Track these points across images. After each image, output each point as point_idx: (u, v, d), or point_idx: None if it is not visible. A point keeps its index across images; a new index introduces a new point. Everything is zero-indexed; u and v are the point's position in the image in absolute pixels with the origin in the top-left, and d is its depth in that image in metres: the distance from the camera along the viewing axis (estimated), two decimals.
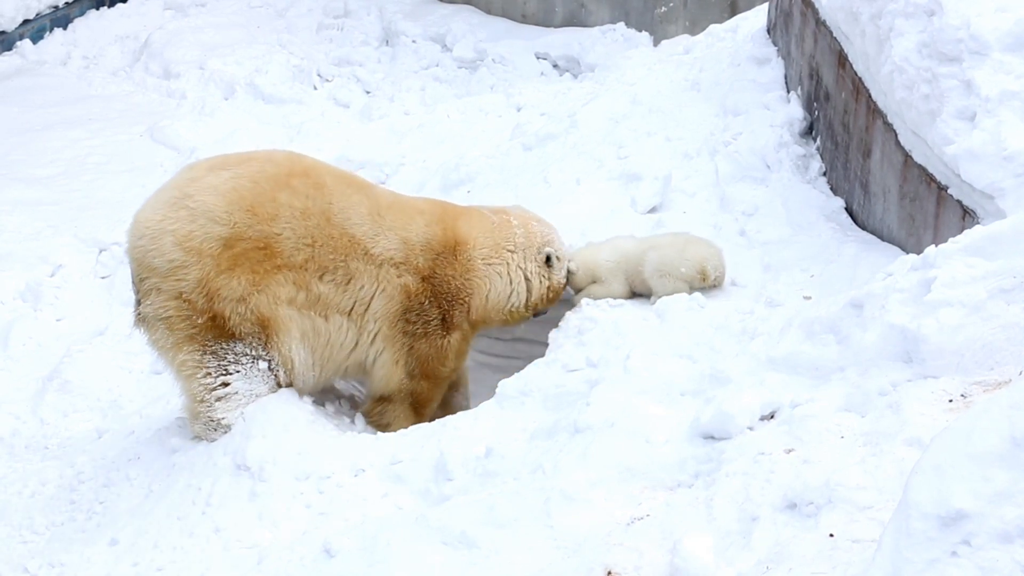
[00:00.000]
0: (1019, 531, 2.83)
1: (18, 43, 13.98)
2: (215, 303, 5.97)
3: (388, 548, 4.48)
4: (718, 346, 5.54)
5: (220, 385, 6.06)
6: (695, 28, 12.13)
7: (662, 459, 4.52)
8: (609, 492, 4.44)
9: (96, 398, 7.84)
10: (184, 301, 5.96)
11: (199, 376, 6.06)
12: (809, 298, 5.87)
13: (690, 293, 6.29)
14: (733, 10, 12.42)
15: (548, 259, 6.63)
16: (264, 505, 5.47)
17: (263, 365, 6.11)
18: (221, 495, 5.59)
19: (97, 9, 14.62)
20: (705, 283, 6.36)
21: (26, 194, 10.66)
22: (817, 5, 7.47)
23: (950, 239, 4.52)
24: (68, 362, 8.10)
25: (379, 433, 6.14)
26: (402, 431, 6.00)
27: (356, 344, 6.33)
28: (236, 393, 6.06)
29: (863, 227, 6.80)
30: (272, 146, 11.25)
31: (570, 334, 6.22)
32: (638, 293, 6.58)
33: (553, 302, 6.73)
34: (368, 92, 13.10)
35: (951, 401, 3.96)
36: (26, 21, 14.07)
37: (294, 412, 5.94)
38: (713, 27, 10.17)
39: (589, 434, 4.89)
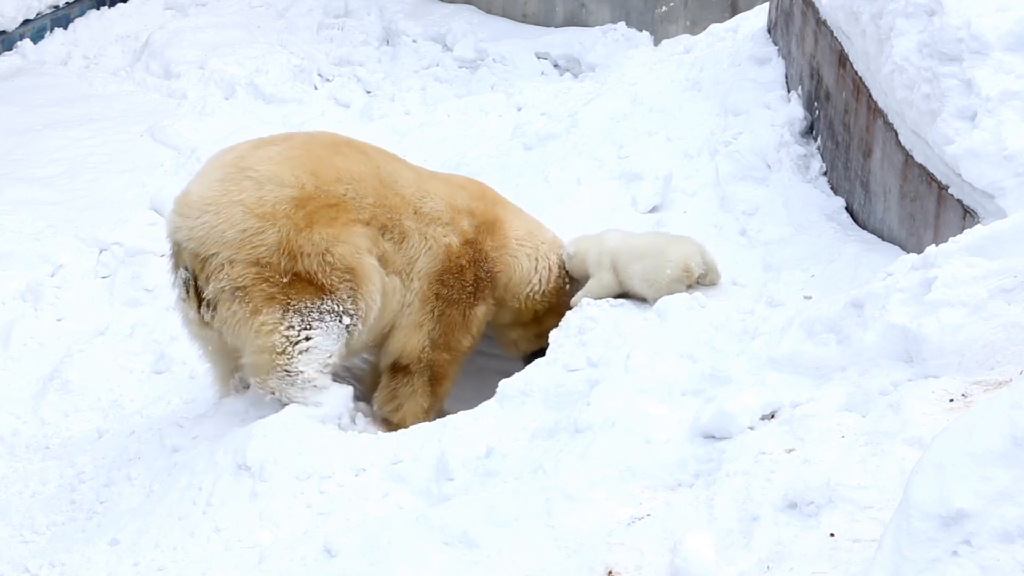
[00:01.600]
0: (1020, 531, 2.83)
1: (19, 43, 13.97)
2: (299, 261, 6.00)
3: (389, 548, 4.47)
4: (719, 346, 5.54)
5: (303, 339, 6.06)
6: (696, 28, 12.14)
7: (663, 459, 4.52)
8: (610, 492, 4.44)
9: (97, 398, 7.83)
10: (263, 266, 5.97)
11: (281, 329, 6.04)
12: (810, 298, 5.87)
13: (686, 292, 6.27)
14: (734, 10, 12.43)
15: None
16: (265, 505, 5.47)
17: (346, 320, 6.13)
18: (222, 495, 5.59)
19: (98, 9, 14.62)
20: (690, 280, 6.33)
21: (27, 194, 10.65)
22: (818, 5, 7.47)
23: (951, 239, 4.52)
24: (69, 362, 8.10)
25: (380, 433, 6.15)
26: (403, 431, 6.01)
27: (400, 303, 6.44)
28: (317, 347, 6.08)
29: (864, 227, 6.80)
30: None
31: (571, 334, 6.22)
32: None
33: (555, 300, 6.82)
34: (369, 92, 13.11)
35: (952, 401, 3.96)
36: (27, 21, 14.07)
37: (295, 412, 5.94)
38: (714, 27, 10.19)
39: (590, 434, 4.89)
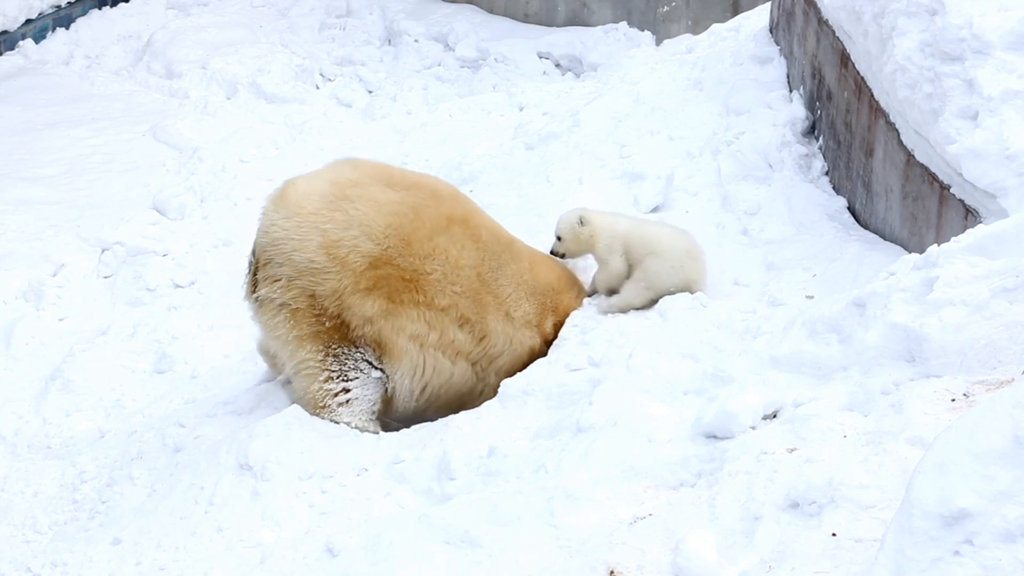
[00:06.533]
0: (1022, 530, 2.83)
1: (21, 43, 13.99)
2: (344, 313, 5.92)
3: (391, 547, 4.48)
4: (721, 345, 5.54)
5: (342, 391, 6.01)
6: (697, 27, 12.16)
7: (665, 458, 4.52)
8: (612, 491, 4.44)
9: (98, 397, 7.84)
10: (316, 300, 5.89)
11: (320, 379, 6.00)
12: (812, 297, 5.87)
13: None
14: (735, 9, 12.45)
15: None
16: (267, 504, 5.47)
17: (377, 374, 6.07)
18: (224, 494, 5.59)
19: (99, 8, 14.63)
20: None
21: (29, 193, 10.67)
22: (819, 4, 7.47)
23: (952, 238, 4.52)
24: (70, 361, 8.10)
25: (381, 433, 6.15)
26: (404, 431, 6.01)
27: (471, 390, 6.33)
28: (357, 399, 6.03)
29: (865, 226, 6.80)
30: (275, 146, 11.28)
31: (573, 333, 6.22)
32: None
33: None
34: (370, 91, 13.12)
35: (954, 400, 3.96)
36: (28, 21, 14.09)
37: (297, 412, 5.94)
38: (715, 26, 10.19)
39: (592, 433, 4.89)
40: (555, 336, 6.37)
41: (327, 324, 5.94)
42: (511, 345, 6.31)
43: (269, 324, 6.01)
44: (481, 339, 6.23)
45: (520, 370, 6.21)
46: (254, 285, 6.03)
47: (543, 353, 6.31)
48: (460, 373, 6.25)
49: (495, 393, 6.16)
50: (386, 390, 6.14)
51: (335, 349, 5.99)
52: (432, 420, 6.44)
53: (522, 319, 6.31)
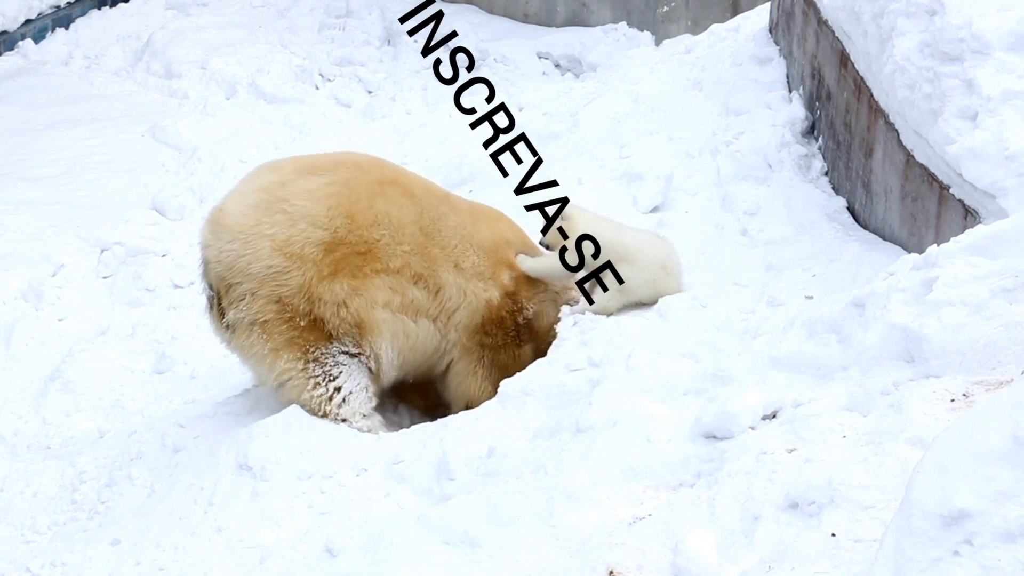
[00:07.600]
0: (1021, 530, 2.84)
1: (20, 43, 13.98)
2: (315, 307, 5.97)
3: (390, 547, 4.47)
4: (720, 345, 5.54)
5: (334, 391, 6.04)
6: (697, 27, 12.16)
7: (664, 458, 4.52)
8: (611, 491, 4.44)
9: (98, 398, 7.84)
10: (284, 305, 5.94)
11: (308, 388, 6.03)
12: (811, 297, 5.87)
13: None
14: (735, 9, 12.45)
15: None
16: (266, 505, 5.48)
17: (356, 361, 6.10)
18: (223, 495, 5.59)
19: (99, 9, 14.63)
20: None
21: (28, 194, 10.66)
22: (819, 5, 7.48)
23: (952, 238, 4.53)
24: (70, 362, 8.10)
25: (381, 433, 6.15)
26: (404, 431, 6.01)
27: (435, 349, 6.39)
28: (352, 392, 6.06)
29: (865, 226, 6.80)
30: (274, 146, 11.28)
31: (572, 333, 6.22)
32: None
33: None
34: (370, 92, 13.11)
35: (953, 400, 3.96)
36: (28, 21, 14.08)
37: (296, 412, 5.94)
38: (715, 26, 10.20)
39: (591, 433, 4.89)
40: (516, 289, 6.40)
41: (301, 325, 5.97)
42: (465, 297, 6.33)
43: (245, 346, 6.05)
44: (436, 292, 6.27)
45: (482, 324, 6.33)
46: (221, 316, 6.07)
47: (506, 307, 6.38)
48: (424, 332, 6.30)
49: (459, 351, 6.33)
50: (370, 370, 6.17)
51: (313, 353, 6.02)
52: (402, 382, 6.53)
53: (472, 270, 6.34)
